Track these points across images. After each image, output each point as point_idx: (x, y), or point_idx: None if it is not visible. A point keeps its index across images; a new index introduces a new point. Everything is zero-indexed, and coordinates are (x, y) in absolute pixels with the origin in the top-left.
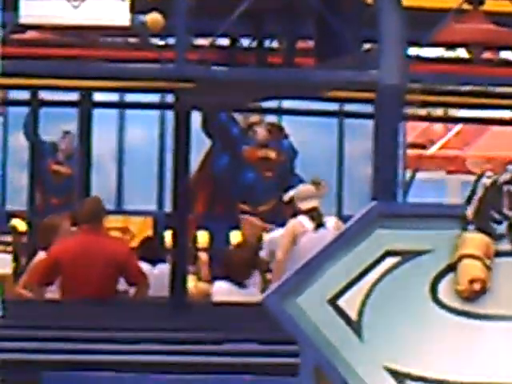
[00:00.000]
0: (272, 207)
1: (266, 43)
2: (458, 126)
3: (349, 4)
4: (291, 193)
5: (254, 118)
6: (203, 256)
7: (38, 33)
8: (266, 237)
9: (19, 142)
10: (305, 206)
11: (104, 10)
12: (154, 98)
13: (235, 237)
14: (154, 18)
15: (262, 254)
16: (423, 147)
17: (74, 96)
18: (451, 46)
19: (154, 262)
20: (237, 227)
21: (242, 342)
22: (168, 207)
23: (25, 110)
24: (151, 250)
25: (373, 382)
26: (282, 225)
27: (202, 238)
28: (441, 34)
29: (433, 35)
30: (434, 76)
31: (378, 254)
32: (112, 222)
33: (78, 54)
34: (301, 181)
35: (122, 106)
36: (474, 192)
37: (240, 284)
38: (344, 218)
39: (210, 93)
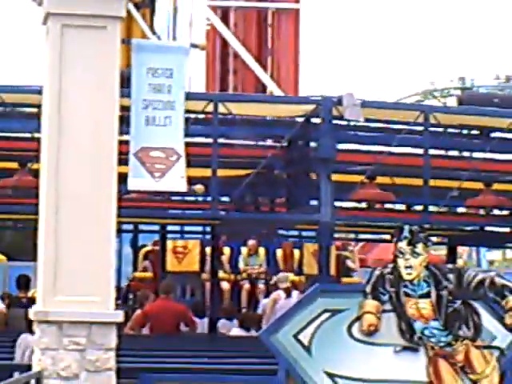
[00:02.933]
0: None
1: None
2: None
3: (304, 181)
4: (274, 278)
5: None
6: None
7: None
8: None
9: None
10: (282, 286)
11: (173, 184)
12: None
13: None
14: (199, 187)
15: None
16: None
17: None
18: (359, 201)
19: (199, 317)
20: None
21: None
22: None
23: None
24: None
25: (317, 380)
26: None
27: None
28: (354, 194)
29: (349, 196)
30: (350, 217)
31: (319, 311)
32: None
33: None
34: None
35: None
36: (371, 277)
37: (247, 327)
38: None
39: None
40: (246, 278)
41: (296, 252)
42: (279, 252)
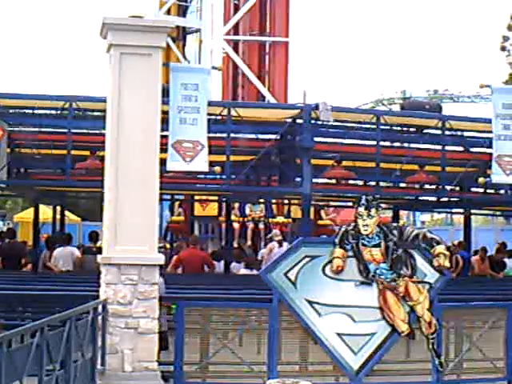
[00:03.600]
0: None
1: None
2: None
3: (291, 164)
4: (271, 233)
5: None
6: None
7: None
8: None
9: None
10: (276, 238)
11: (199, 166)
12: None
13: None
14: (217, 168)
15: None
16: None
17: None
18: (330, 178)
19: (217, 260)
20: None
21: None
22: None
23: None
24: (217, 255)
25: (301, 305)
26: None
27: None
28: (327, 174)
29: (323, 175)
30: (323, 190)
31: (302, 256)
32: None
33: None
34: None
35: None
36: (339, 232)
37: (251, 268)
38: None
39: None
40: (251, 220)
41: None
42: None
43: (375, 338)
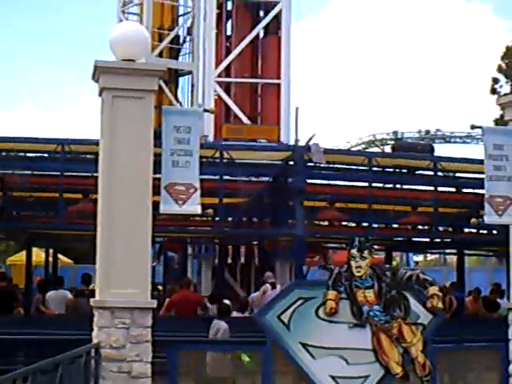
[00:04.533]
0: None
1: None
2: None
3: (283, 206)
4: (264, 276)
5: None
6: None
7: None
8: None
9: None
10: (269, 281)
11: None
12: None
13: None
14: (210, 211)
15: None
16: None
17: None
18: (323, 220)
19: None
20: None
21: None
22: None
23: None
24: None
25: (295, 348)
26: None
27: None
28: (320, 215)
29: (316, 216)
30: (316, 231)
31: (295, 299)
32: None
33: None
34: None
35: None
36: (332, 274)
37: (242, 312)
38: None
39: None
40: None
41: None
42: None
43: (369, 381)
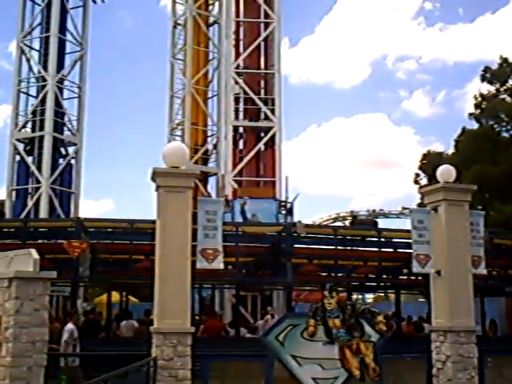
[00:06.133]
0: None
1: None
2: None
3: (278, 263)
4: (267, 309)
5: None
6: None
7: None
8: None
9: None
10: (270, 312)
11: (217, 265)
12: None
13: None
14: (230, 268)
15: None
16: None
17: None
18: (304, 273)
19: (231, 327)
20: None
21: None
22: None
23: None
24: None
25: (287, 358)
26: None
27: None
28: (303, 268)
29: (301, 269)
30: (301, 279)
31: (287, 325)
32: None
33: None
34: None
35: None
36: (311, 308)
37: (253, 333)
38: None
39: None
40: None
41: None
42: None
43: (338, 381)
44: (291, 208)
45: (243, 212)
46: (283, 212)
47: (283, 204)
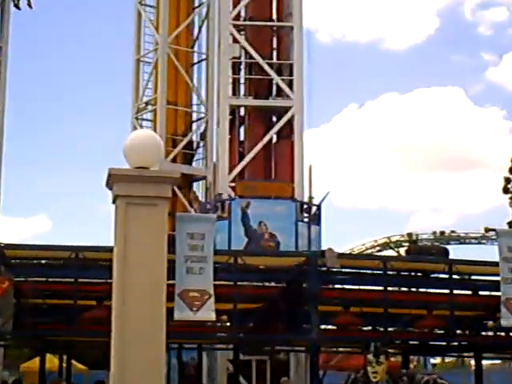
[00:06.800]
0: None
1: None
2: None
3: (298, 311)
4: (281, 380)
5: None
6: None
7: None
8: None
9: None
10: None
11: (205, 315)
12: None
13: None
14: (224, 317)
15: None
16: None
17: None
18: (338, 325)
19: None
20: None
21: None
22: None
23: None
24: None
25: None
26: None
27: None
28: (335, 320)
29: (332, 321)
30: (332, 337)
31: None
32: None
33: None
34: None
35: None
36: (348, 380)
37: None
38: None
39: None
40: None
41: None
42: None
43: None
44: (318, 214)
45: (245, 218)
46: (305, 219)
47: (305, 207)
